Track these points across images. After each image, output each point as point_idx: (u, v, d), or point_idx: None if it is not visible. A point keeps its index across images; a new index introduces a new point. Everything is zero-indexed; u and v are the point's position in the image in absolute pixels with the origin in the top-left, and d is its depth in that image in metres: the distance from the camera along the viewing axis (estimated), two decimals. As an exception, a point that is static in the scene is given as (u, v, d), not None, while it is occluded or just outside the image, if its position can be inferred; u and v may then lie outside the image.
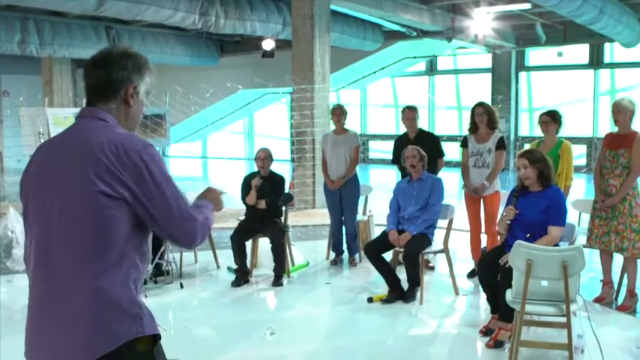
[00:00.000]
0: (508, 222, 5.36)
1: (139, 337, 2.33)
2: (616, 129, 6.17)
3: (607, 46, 18.35)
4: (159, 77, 18.12)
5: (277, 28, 13.77)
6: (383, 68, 19.83)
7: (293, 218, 9.77)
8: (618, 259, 6.43)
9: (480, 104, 7.25)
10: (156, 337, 2.41)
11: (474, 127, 7.15)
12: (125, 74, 2.46)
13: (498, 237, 6.68)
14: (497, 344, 5.17)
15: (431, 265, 7.73)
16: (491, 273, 5.35)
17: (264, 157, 7.32)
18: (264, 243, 7.60)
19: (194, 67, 19.47)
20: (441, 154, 7.48)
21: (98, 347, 2.26)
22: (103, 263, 2.28)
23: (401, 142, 7.74)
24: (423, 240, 6.44)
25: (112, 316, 2.29)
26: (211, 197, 2.68)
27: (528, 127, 19.76)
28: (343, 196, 7.94)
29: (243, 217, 7.55)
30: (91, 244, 2.28)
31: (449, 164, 17.50)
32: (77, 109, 10.24)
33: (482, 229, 7.26)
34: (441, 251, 6.69)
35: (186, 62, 18.30)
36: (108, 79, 2.45)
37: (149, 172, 2.32)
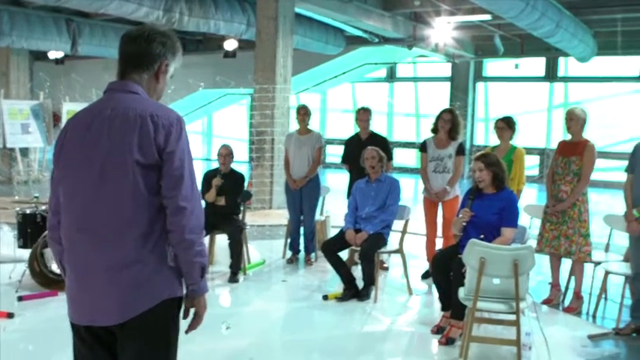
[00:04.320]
0: (464, 223, 5.50)
1: (170, 298, 2.53)
2: (568, 137, 6.39)
3: (562, 60, 18.83)
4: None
5: (241, 27, 13.77)
6: (344, 73, 19.99)
7: (250, 218, 9.79)
8: (566, 264, 6.64)
9: (450, 111, 7.36)
10: (181, 301, 2.60)
11: (435, 129, 7.28)
12: (163, 50, 2.61)
13: (454, 240, 6.84)
14: (449, 341, 5.31)
15: (385, 265, 7.85)
16: (444, 271, 5.51)
17: (226, 154, 7.37)
18: (221, 240, 7.64)
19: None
20: (390, 157, 7.56)
21: (135, 306, 2.46)
22: (140, 229, 2.44)
23: (352, 143, 7.88)
24: (378, 239, 6.56)
25: (148, 277, 2.47)
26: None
27: (484, 136, 20.12)
28: (304, 196, 8.02)
29: (201, 214, 7.55)
30: (130, 211, 2.44)
31: (404, 170, 17.87)
32: (34, 102, 10.16)
33: (439, 233, 7.40)
34: (396, 251, 6.80)
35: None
36: (148, 51, 2.59)
37: (177, 139, 2.47)
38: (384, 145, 7.46)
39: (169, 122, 2.47)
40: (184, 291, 2.60)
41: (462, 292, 4.96)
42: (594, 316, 6.26)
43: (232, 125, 23.54)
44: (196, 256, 2.53)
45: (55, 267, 6.55)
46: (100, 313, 2.48)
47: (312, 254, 8.17)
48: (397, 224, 6.91)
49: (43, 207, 7.11)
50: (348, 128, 21.48)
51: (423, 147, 7.39)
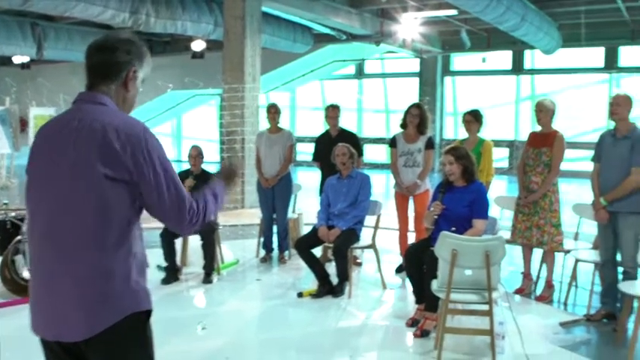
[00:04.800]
0: (435, 216, 5.55)
1: (136, 312, 2.48)
2: (538, 128, 6.47)
3: (528, 53, 19.06)
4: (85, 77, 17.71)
5: (208, 28, 13.74)
6: (312, 71, 20.02)
7: (222, 218, 9.79)
8: (537, 253, 6.74)
9: (417, 105, 7.40)
10: (149, 313, 2.56)
11: (403, 124, 7.34)
12: (129, 58, 2.57)
13: (426, 233, 6.91)
14: (424, 333, 5.37)
15: (358, 261, 7.89)
16: (417, 264, 5.55)
17: (196, 155, 7.35)
18: (194, 241, 7.62)
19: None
20: (360, 153, 7.60)
21: (100, 321, 2.40)
22: (105, 243, 2.40)
23: (322, 141, 7.92)
24: (351, 235, 6.60)
25: (113, 292, 2.42)
26: (224, 176, 2.81)
27: (453, 129, 20.29)
28: (276, 194, 8.03)
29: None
30: (95, 223, 2.40)
31: (375, 166, 17.98)
32: (0, 107, 9.98)
33: (411, 227, 7.46)
34: (369, 246, 6.84)
35: (114, 61, 17.97)
36: (113, 61, 2.55)
37: (147, 154, 2.43)
38: (354, 142, 7.49)
39: (136, 135, 2.43)
40: (151, 305, 2.56)
41: (434, 285, 5.01)
42: (565, 304, 6.36)
43: (202, 126, 23.46)
44: (214, 212, 2.66)
45: (26, 274, 6.49)
46: (66, 327, 2.43)
47: (286, 252, 8.18)
48: (369, 220, 6.95)
49: (13, 213, 7.02)
50: (318, 126, 21.59)
51: (392, 142, 7.43)
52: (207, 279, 7.18)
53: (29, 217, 2.56)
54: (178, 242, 7.37)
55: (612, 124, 5.74)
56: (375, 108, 21.80)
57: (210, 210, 2.62)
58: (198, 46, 15.84)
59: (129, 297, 2.45)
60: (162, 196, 2.47)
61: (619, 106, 5.58)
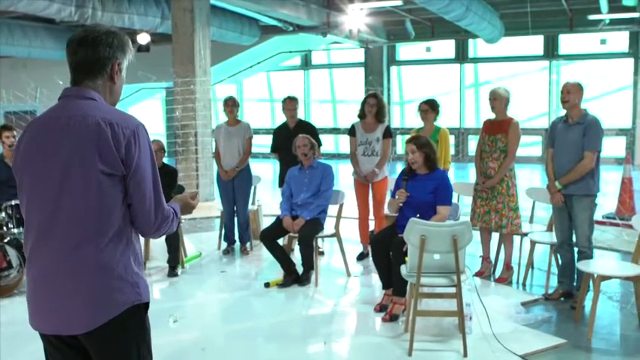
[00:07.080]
0: (400, 204, 5.71)
1: (136, 304, 2.51)
2: (493, 116, 6.69)
3: (471, 42, 19.45)
4: (29, 72, 17.38)
5: (155, 21, 13.61)
6: (259, 63, 19.99)
7: (180, 211, 9.77)
8: (494, 237, 6.97)
9: (374, 95, 7.56)
10: (148, 304, 2.60)
11: (362, 114, 7.49)
12: (111, 52, 2.56)
13: (386, 220, 7.11)
14: (393, 318, 5.53)
15: (321, 250, 8.01)
16: (384, 251, 5.70)
17: (157, 149, 7.33)
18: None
19: (66, 61, 18.72)
20: (319, 143, 7.71)
21: (101, 315, 2.44)
22: (104, 237, 2.42)
23: (281, 132, 8.01)
24: (316, 224, 6.72)
25: (113, 285, 2.45)
26: (180, 200, 2.81)
27: (400, 119, 20.55)
28: (236, 187, 8.09)
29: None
30: (93, 219, 2.41)
31: (329, 156, 18.09)
32: None
33: (370, 214, 7.62)
34: (332, 235, 6.97)
35: (57, 57, 17.56)
36: (96, 57, 2.53)
37: (138, 148, 2.45)
38: (313, 132, 7.61)
39: (130, 131, 2.44)
40: (149, 297, 2.61)
41: (404, 270, 5.16)
42: (524, 285, 6.62)
43: (148, 120, 23.19)
44: (174, 227, 2.68)
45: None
46: (65, 321, 2.45)
47: (248, 243, 8.25)
48: (331, 209, 7.07)
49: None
50: (266, 117, 21.65)
51: (351, 131, 7.57)
52: (172, 272, 7.21)
53: (25, 214, 2.55)
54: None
55: (557, 111, 5.98)
56: (322, 98, 21.93)
57: (174, 223, 2.66)
58: (143, 39, 15.63)
59: (128, 290, 2.49)
60: (144, 194, 2.49)
61: (570, 93, 5.83)
